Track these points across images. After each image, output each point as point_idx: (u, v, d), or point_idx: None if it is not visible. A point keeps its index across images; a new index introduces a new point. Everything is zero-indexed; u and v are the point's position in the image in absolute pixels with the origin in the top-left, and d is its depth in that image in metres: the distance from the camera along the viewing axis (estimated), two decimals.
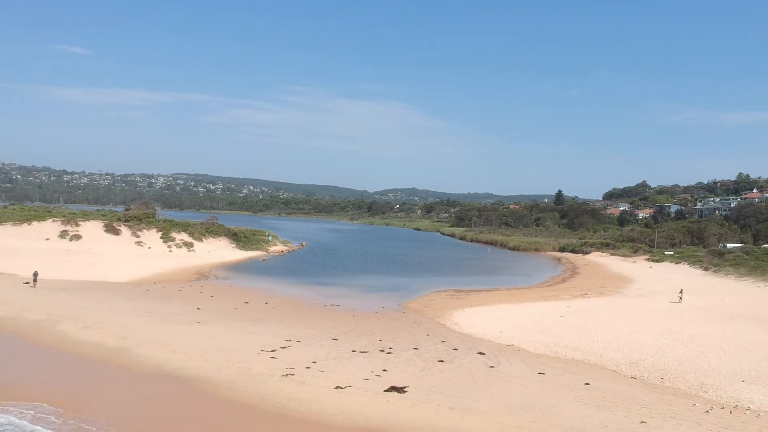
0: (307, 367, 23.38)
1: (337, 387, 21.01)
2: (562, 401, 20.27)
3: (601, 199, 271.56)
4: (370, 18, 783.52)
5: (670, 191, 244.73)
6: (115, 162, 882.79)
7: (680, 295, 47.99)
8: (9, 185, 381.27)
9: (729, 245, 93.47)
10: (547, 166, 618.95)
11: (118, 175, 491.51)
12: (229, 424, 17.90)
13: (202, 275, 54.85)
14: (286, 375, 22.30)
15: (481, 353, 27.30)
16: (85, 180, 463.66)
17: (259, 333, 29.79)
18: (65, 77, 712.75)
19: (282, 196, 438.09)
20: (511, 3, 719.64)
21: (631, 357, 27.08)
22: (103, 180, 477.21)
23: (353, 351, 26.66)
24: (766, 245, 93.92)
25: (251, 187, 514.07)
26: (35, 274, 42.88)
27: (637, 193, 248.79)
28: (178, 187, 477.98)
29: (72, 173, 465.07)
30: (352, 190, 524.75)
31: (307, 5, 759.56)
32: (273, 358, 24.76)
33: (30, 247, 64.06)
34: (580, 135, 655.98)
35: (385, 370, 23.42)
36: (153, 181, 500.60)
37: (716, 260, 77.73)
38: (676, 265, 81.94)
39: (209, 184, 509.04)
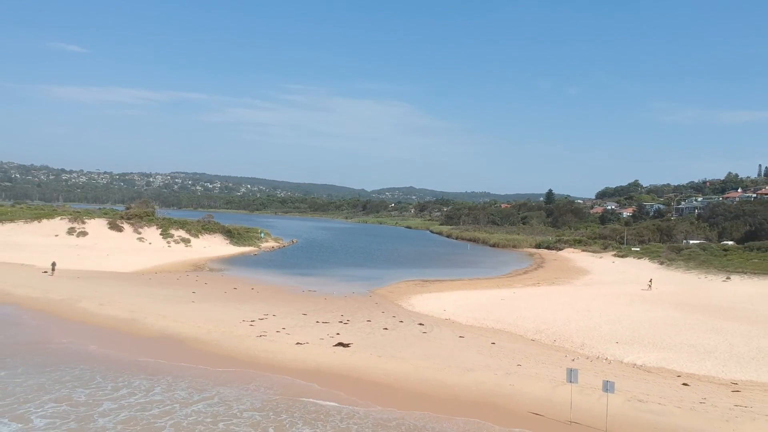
0: (277, 331, 29.93)
1: (297, 343, 27.56)
2: (466, 353, 26.84)
3: (594, 197, 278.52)
4: (368, 18, 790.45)
5: (660, 190, 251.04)
6: (113, 161, 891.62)
7: (650, 283, 55.44)
8: (8, 184, 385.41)
9: (692, 242, 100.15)
10: (544, 165, 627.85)
11: (117, 174, 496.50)
12: (213, 368, 24.34)
13: (198, 267, 61.31)
14: (260, 336, 28.84)
15: (420, 324, 33.87)
16: (83, 179, 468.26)
17: (243, 310, 36.25)
18: (63, 76, 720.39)
19: (279, 195, 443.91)
20: (511, 2, 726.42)
21: (540, 327, 33.66)
22: (102, 179, 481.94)
23: (317, 322, 33.19)
24: (725, 242, 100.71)
25: (249, 186, 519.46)
26: (53, 264, 49.39)
27: (628, 192, 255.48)
28: (176, 186, 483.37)
29: (70, 172, 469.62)
30: (350, 189, 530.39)
31: (306, 5, 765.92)
32: (251, 325, 31.30)
33: (42, 243, 70.50)
34: (578, 134, 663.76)
35: (338, 334, 29.96)
36: (151, 180, 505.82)
37: (673, 255, 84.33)
38: (638, 260, 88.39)
39: (207, 182, 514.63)
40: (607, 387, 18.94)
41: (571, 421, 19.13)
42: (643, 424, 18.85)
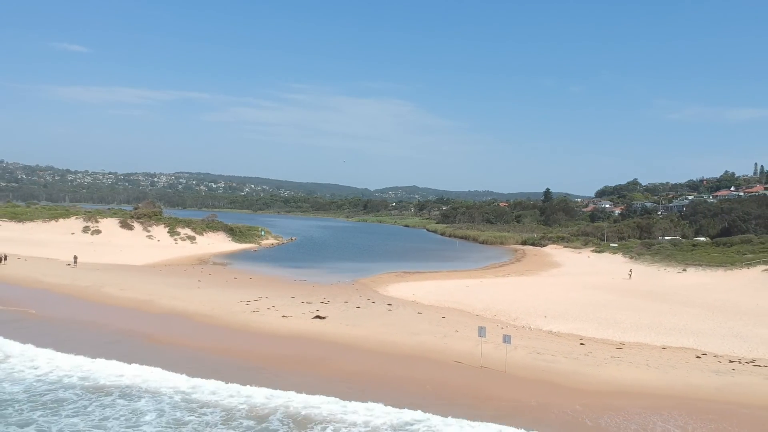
0: (267, 309, 36.60)
1: (283, 316, 34.23)
2: (418, 323, 33.46)
3: (593, 196, 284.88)
4: (370, 17, 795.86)
5: (657, 189, 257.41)
6: (117, 161, 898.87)
7: (629, 273, 63.51)
8: (15, 184, 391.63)
9: (666, 238, 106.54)
10: (547, 163, 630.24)
11: (121, 174, 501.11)
12: (214, 334, 30.96)
13: (203, 261, 68.03)
14: (253, 312, 35.53)
15: (389, 304, 40.47)
16: (88, 179, 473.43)
17: (241, 294, 42.85)
18: (66, 76, 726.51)
19: (282, 195, 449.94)
20: (514, 0, 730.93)
21: (489, 306, 40.24)
22: (106, 179, 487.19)
23: (302, 302, 39.82)
24: (699, 238, 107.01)
25: (253, 186, 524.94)
26: (75, 258, 56.21)
27: (627, 191, 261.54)
28: (180, 186, 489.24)
29: (75, 172, 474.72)
30: (353, 188, 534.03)
31: (308, 4, 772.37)
32: (247, 304, 37.99)
33: (60, 240, 77.42)
34: (582, 132, 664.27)
35: (317, 310, 36.61)
36: (155, 180, 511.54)
37: (643, 250, 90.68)
38: (613, 255, 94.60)
39: (211, 182, 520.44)
40: (505, 339, 25.58)
41: (481, 366, 25.67)
42: (533, 367, 25.42)
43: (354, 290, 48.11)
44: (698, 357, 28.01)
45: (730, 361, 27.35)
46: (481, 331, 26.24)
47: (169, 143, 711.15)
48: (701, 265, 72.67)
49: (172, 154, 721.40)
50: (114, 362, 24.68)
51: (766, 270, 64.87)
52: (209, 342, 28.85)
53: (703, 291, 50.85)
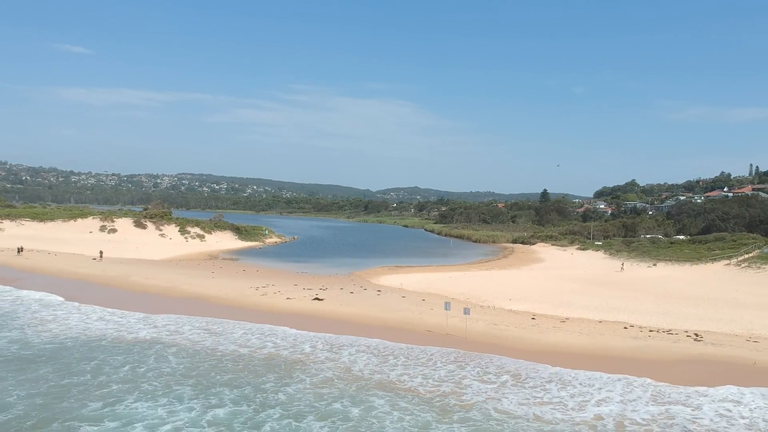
0: (274, 293, 43.04)
1: (287, 298, 40.65)
2: (399, 304, 39.85)
3: (592, 196, 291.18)
4: (373, 17, 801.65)
5: (654, 190, 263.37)
6: (120, 162, 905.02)
7: (622, 266, 70.28)
8: (20, 186, 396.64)
9: (648, 236, 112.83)
10: (549, 164, 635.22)
11: (124, 176, 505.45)
12: (228, 313, 37.33)
13: (213, 257, 74.50)
14: (262, 295, 41.97)
15: (378, 291, 46.85)
16: (92, 180, 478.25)
17: (250, 282, 49.28)
18: (68, 77, 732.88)
19: (284, 196, 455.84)
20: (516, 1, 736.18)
21: (463, 291, 46.61)
22: (110, 180, 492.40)
23: (303, 288, 46.23)
24: (679, 236, 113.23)
25: (255, 187, 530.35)
26: (101, 253, 62.72)
27: (624, 191, 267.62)
28: (183, 187, 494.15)
29: (79, 174, 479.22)
30: (355, 189, 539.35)
31: (310, 4, 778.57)
32: (256, 290, 44.42)
33: (79, 238, 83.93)
34: (584, 132, 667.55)
35: (316, 294, 43.01)
36: (158, 181, 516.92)
37: (622, 247, 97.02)
38: (596, 252, 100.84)
39: (214, 183, 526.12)
40: (465, 311, 31.98)
41: (447, 334, 32.03)
42: (488, 334, 31.79)
43: (349, 280, 54.48)
44: (625, 328, 34.35)
45: (651, 331, 33.68)
46: (447, 306, 32.66)
47: (172, 144, 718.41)
48: (671, 260, 78.95)
49: (174, 155, 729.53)
50: (162, 316, 33.50)
51: (727, 264, 71.25)
52: (225, 315, 35.26)
53: (660, 282, 57.13)
